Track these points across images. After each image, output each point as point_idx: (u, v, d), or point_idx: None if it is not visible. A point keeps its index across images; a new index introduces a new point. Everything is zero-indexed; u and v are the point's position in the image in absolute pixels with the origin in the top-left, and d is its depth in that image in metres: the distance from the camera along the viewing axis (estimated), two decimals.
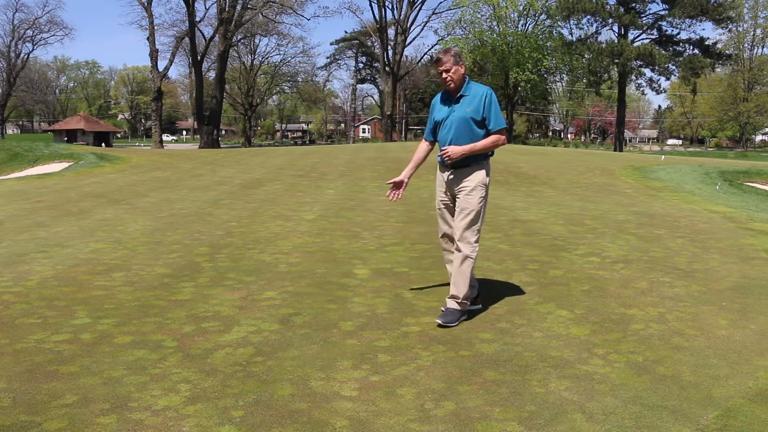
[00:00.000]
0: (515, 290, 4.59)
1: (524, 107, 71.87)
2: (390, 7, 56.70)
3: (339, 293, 4.51)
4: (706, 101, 77.55)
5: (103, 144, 51.68)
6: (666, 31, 49.49)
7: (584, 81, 54.52)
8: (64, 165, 16.83)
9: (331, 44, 78.51)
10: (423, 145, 4.18)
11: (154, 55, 45.70)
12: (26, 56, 70.21)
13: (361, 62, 75.15)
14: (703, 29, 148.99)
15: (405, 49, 59.17)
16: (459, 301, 3.88)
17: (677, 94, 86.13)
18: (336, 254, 5.76)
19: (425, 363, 3.26)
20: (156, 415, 2.68)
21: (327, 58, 79.49)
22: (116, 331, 3.72)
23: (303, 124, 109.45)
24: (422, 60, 67.14)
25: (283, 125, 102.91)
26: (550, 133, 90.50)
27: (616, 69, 49.62)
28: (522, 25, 50.28)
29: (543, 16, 49.92)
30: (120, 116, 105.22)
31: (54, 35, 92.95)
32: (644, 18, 49.13)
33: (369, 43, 68.80)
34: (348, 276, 4.99)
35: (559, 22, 49.34)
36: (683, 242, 6.36)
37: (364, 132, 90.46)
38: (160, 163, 16.96)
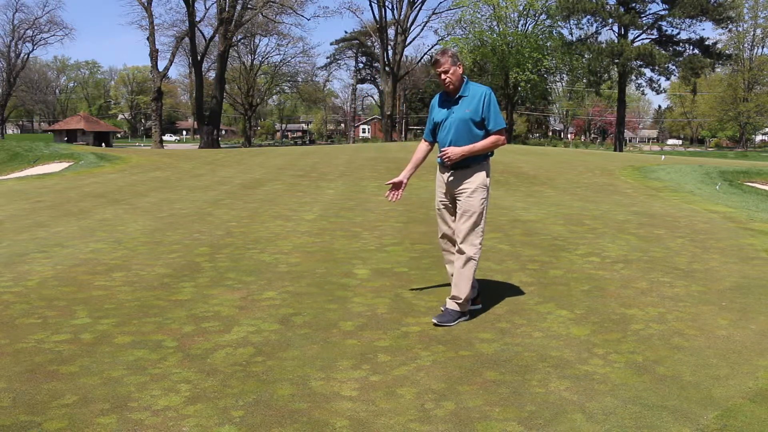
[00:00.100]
0: (515, 290, 4.59)
1: (524, 107, 71.87)
2: (390, 7, 56.78)
3: (339, 293, 4.51)
4: (706, 101, 77.55)
5: (103, 144, 51.67)
6: (666, 31, 49.55)
7: (584, 81, 54.49)
8: (64, 165, 16.84)
9: (331, 44, 78.59)
10: (422, 146, 4.18)
11: (154, 55, 45.69)
12: (26, 56, 70.32)
13: (361, 62, 75.21)
14: (703, 29, 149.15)
15: (405, 49, 59.23)
16: (459, 302, 3.88)
17: (677, 94, 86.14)
18: (336, 254, 5.76)
19: (425, 363, 3.26)
20: (156, 415, 2.68)
21: (327, 58, 79.60)
22: (116, 331, 3.72)
23: (303, 124, 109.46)
24: (422, 60, 67.20)
25: (283, 125, 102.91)
26: (550, 133, 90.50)
27: (616, 69, 49.63)
28: (522, 25, 50.29)
29: (543, 16, 49.95)
30: (120, 116, 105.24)
31: (54, 35, 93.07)
32: (644, 18, 49.15)
33: (369, 43, 68.80)
34: (348, 276, 4.99)
35: (559, 22, 49.36)
36: (683, 242, 6.36)
37: (364, 132, 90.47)
38: (160, 163, 16.96)
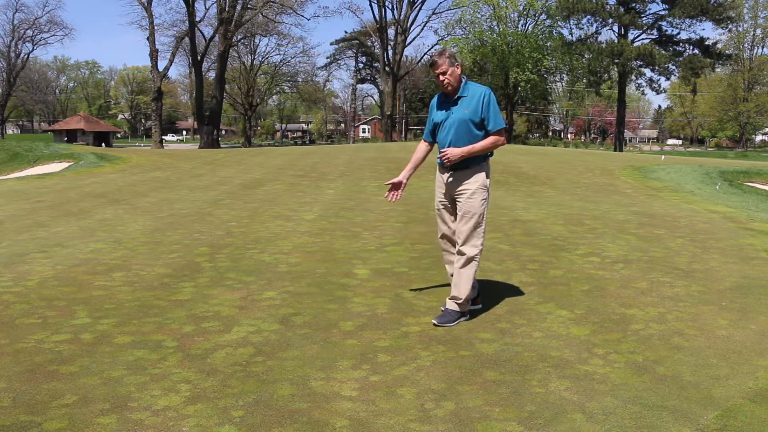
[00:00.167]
0: (515, 290, 4.59)
1: (524, 107, 71.87)
2: (390, 7, 56.78)
3: (339, 293, 4.51)
4: (706, 101, 77.55)
5: (103, 144, 51.67)
6: (666, 31, 49.56)
7: (584, 81, 54.50)
8: (64, 165, 16.84)
9: (331, 44, 78.63)
10: (422, 146, 4.18)
11: (154, 55, 45.70)
12: (26, 56, 70.32)
13: (361, 62, 75.21)
14: (703, 29, 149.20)
15: (405, 49, 59.22)
16: (459, 302, 3.88)
17: (677, 94, 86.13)
18: (336, 254, 5.76)
19: (425, 363, 3.26)
20: (156, 415, 2.68)
21: (327, 58, 79.61)
22: (116, 331, 3.72)
23: (303, 124, 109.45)
24: (422, 60, 67.20)
25: (283, 125, 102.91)
26: (550, 133, 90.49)
27: (616, 69, 49.63)
28: (522, 25, 50.29)
29: (543, 16, 49.95)
30: (120, 116, 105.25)
31: (54, 35, 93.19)
32: (644, 18, 49.16)
33: (369, 43, 68.80)
34: (348, 276, 4.99)
35: (559, 22, 49.36)
36: (683, 242, 6.36)
37: (364, 132, 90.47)
38: (160, 163, 16.96)
